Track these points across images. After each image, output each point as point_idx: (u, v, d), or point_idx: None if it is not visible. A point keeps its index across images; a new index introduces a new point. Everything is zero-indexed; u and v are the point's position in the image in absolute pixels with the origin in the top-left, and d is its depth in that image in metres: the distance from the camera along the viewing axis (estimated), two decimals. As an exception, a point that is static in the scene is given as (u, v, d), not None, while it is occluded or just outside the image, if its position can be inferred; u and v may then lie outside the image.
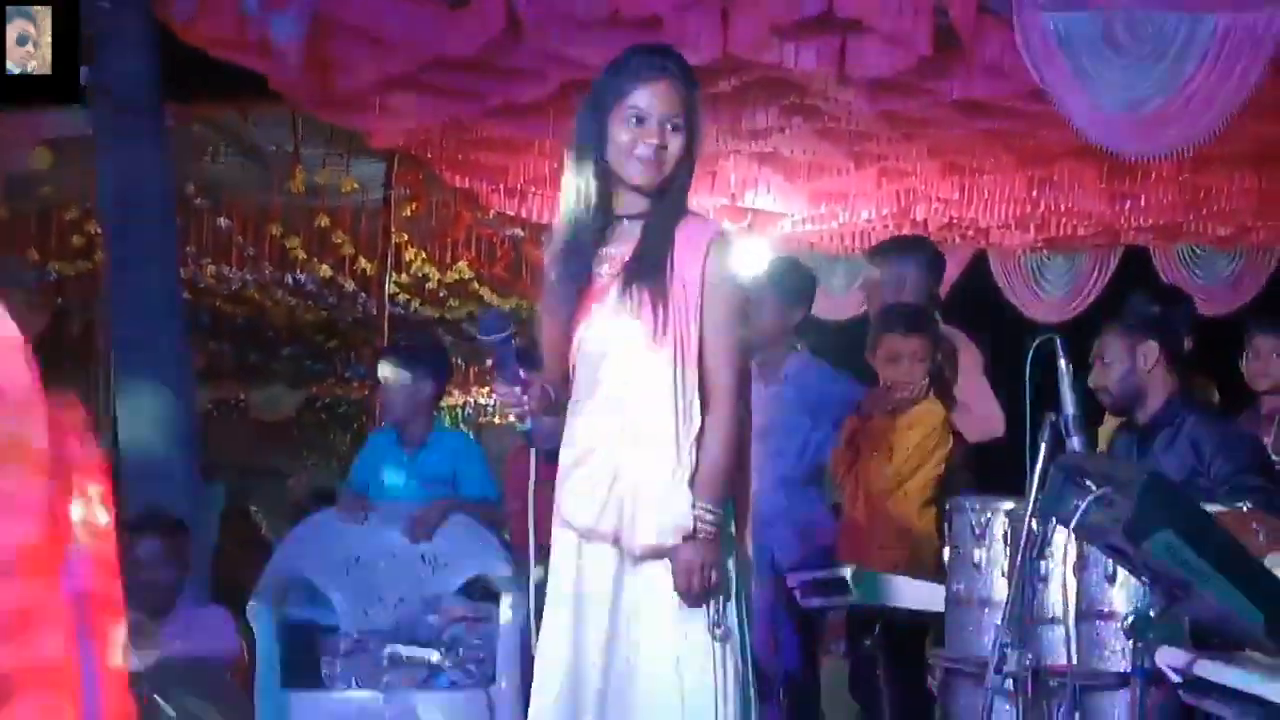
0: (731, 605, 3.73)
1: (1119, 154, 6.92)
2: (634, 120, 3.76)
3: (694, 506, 3.68)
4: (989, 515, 4.47)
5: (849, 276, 10.54)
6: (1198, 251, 10.43)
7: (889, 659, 5.19)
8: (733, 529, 3.79)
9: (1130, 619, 3.58)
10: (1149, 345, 5.08)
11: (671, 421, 3.70)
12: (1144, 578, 3.64)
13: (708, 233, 3.79)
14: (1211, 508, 4.21)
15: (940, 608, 4.69)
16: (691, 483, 3.69)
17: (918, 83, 6.92)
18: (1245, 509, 4.37)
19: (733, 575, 3.76)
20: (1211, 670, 3.44)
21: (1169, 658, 3.68)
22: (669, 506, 3.69)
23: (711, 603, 3.69)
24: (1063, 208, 9.24)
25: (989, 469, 5.95)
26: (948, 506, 4.73)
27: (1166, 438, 4.99)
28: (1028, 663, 4.04)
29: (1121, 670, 4.00)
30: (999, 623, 4.11)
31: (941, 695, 4.56)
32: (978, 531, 4.49)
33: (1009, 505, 4.42)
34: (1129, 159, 7.36)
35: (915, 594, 5.06)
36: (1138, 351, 5.06)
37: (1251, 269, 10.16)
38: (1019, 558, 4.02)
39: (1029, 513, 3.96)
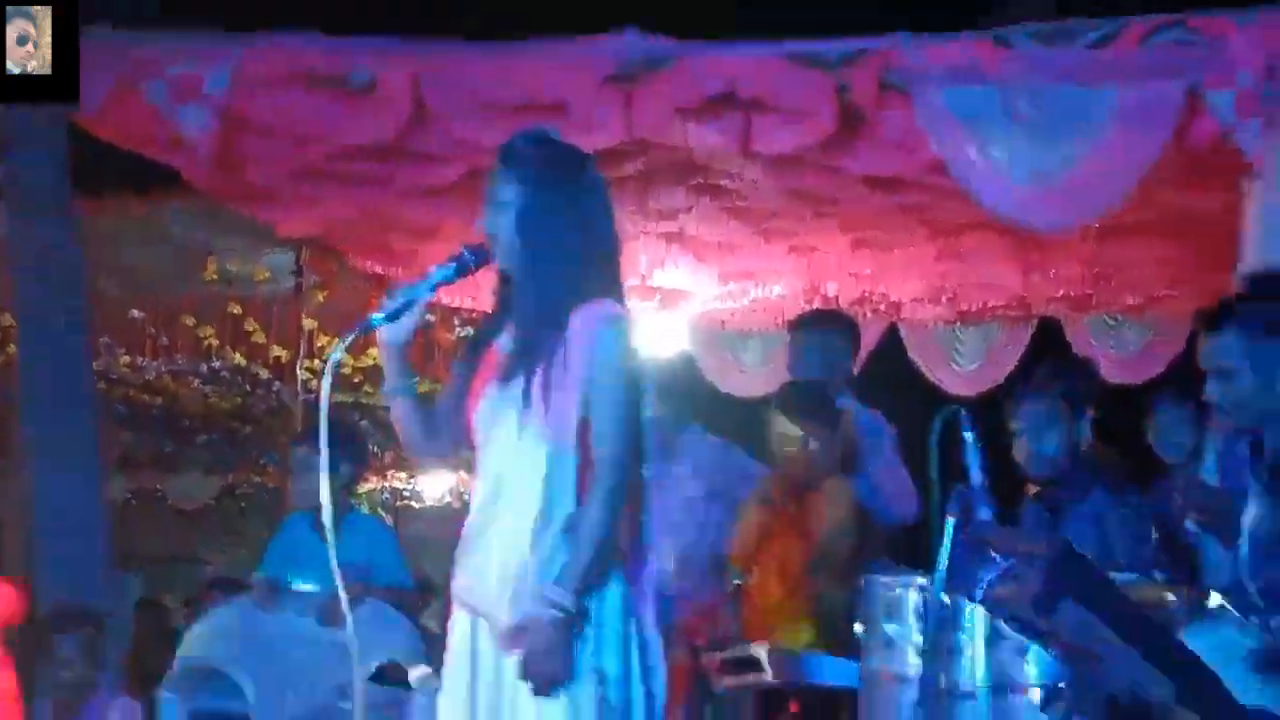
0: (617, 687, 3.70)
1: (1025, 226, 6.97)
2: None
3: (551, 592, 3.66)
4: (900, 591, 4.45)
5: (761, 353, 10.56)
6: (1109, 321, 10.48)
7: (803, 739, 5.17)
8: (619, 608, 3.76)
9: (1042, 692, 3.56)
10: (1089, 414, 5.09)
11: (539, 506, 3.70)
12: (1053, 650, 3.63)
13: (597, 318, 3.77)
14: (1124, 578, 4.23)
15: (855, 684, 4.67)
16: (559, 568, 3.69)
17: (823, 159, 6.96)
18: (1158, 580, 4.38)
19: (617, 657, 3.73)
20: (1122, 741, 3.42)
21: (1082, 730, 3.66)
22: (525, 591, 3.68)
23: (593, 686, 3.66)
24: (973, 280, 9.30)
25: (902, 544, 5.96)
26: (860, 583, 4.72)
27: (1076, 510, 5.00)
28: (942, 738, 4.04)
29: (1036, 743, 3.98)
30: (913, 699, 4.10)
31: (860, 771, 4.54)
32: (890, 607, 4.48)
33: (920, 580, 4.41)
34: (1037, 231, 7.40)
35: (830, 671, 5.05)
36: (1079, 421, 5.07)
37: (1162, 339, 10.22)
38: (930, 633, 4.01)
39: (938, 587, 3.96)
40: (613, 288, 3.84)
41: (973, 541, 3.71)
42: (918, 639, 4.36)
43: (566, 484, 3.74)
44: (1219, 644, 3.72)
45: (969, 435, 4.21)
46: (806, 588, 5.74)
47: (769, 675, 5.14)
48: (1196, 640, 3.68)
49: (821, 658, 5.14)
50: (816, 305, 9.22)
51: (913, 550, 5.39)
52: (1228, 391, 4.05)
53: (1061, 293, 9.62)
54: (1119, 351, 10.34)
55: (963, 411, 4.26)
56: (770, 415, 5.87)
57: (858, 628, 4.64)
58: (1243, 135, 6.13)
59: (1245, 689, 3.64)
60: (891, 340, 10.59)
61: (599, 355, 3.74)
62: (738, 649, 5.56)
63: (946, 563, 3.90)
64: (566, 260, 3.79)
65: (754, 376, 10.45)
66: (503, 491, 3.79)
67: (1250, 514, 4.11)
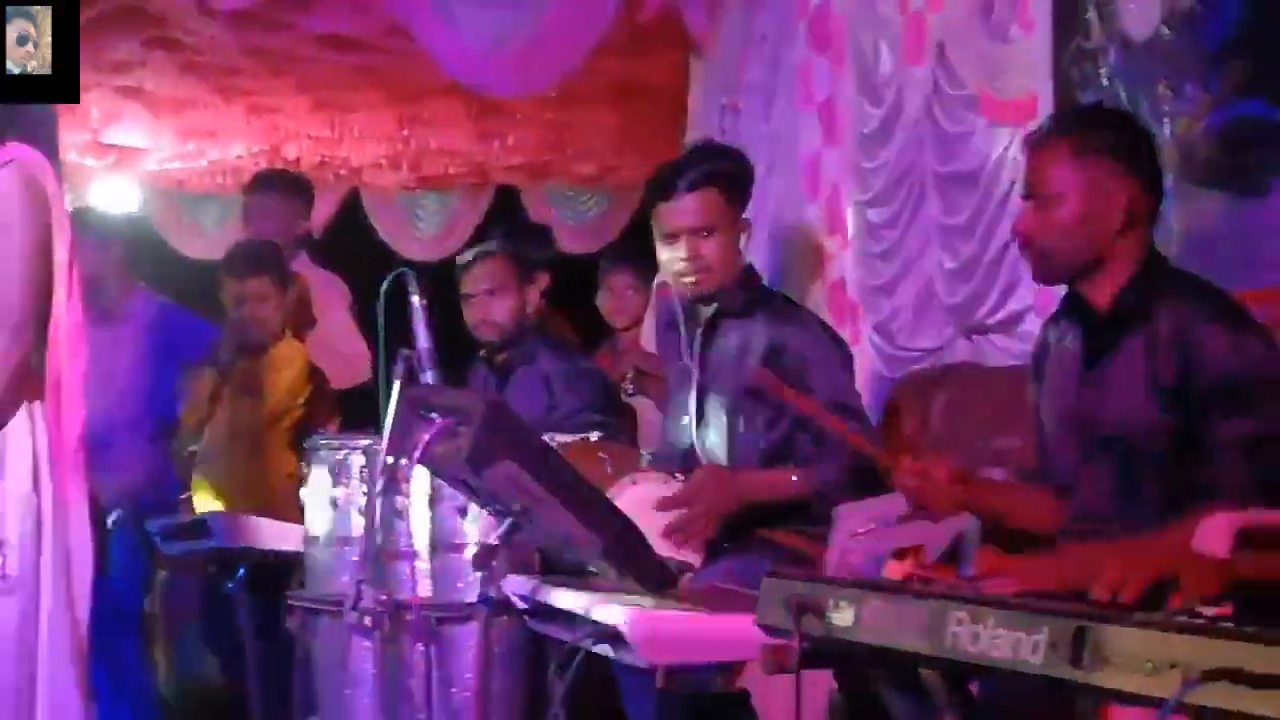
0: (16, 553, 3.57)
1: (484, 92, 7.01)
2: None
3: None
4: (346, 453, 4.45)
5: (220, 214, 10.36)
6: (566, 191, 10.70)
7: (249, 602, 5.12)
8: (27, 473, 3.60)
9: (478, 548, 3.62)
10: (541, 279, 5.15)
11: None
12: (489, 507, 3.70)
13: None
14: (562, 438, 4.33)
15: (300, 547, 4.67)
16: None
17: (280, 16, 6.86)
18: (593, 440, 4.50)
19: (20, 527, 3.58)
20: (552, 595, 3.53)
21: (516, 585, 3.75)
22: None
23: None
24: (433, 146, 9.33)
25: (352, 406, 5.97)
26: (306, 446, 4.70)
27: (523, 372, 5.09)
28: (383, 598, 4.07)
29: (474, 600, 4.04)
30: (355, 559, 4.12)
31: (301, 636, 4.52)
32: (335, 470, 4.47)
33: (365, 442, 4.41)
34: (495, 97, 7.46)
35: (275, 535, 5.03)
36: (529, 286, 5.12)
37: (615, 208, 10.49)
38: (373, 494, 4.03)
39: (383, 449, 3.98)
40: (27, 131, 3.66)
41: (413, 402, 3.76)
42: (361, 500, 4.38)
43: None
44: (645, 500, 3.87)
45: (415, 299, 4.22)
46: (259, 450, 5.68)
47: (214, 539, 5.08)
48: (625, 496, 3.84)
49: (266, 522, 5.10)
50: (277, 167, 9.08)
51: (361, 412, 5.39)
52: (699, 250, 4.14)
53: (519, 161, 9.75)
54: (575, 220, 10.58)
55: (410, 274, 4.26)
56: (222, 275, 5.76)
57: (304, 491, 4.62)
58: (687, 9, 6.30)
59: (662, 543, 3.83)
60: (353, 204, 10.55)
61: None
62: (186, 514, 5.47)
63: (391, 424, 3.92)
64: None
65: (212, 239, 10.24)
66: None
67: (683, 379, 4.27)
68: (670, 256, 4.18)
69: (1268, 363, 2.97)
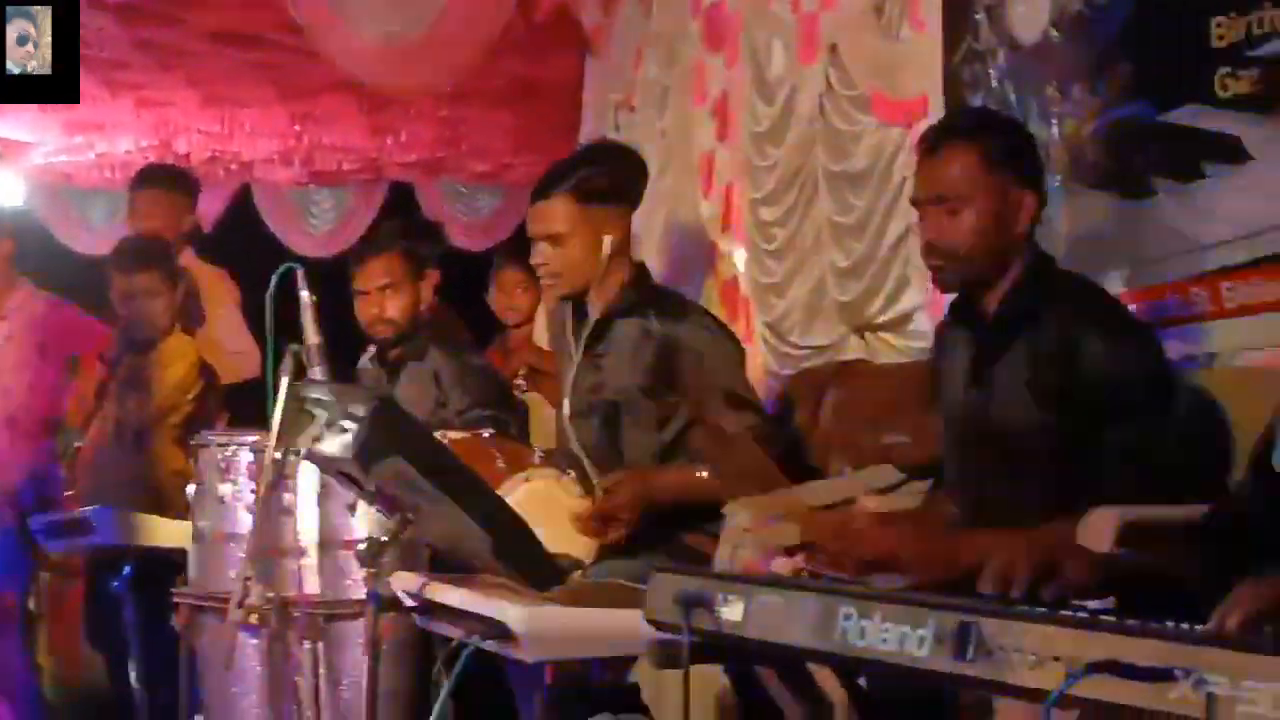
0: None
1: (377, 88, 6.98)
2: None
3: None
4: (233, 449, 4.42)
5: (108, 209, 10.22)
6: (462, 189, 10.65)
7: (134, 601, 5.06)
8: None
9: (366, 546, 3.59)
10: (433, 275, 5.13)
11: None
12: (377, 504, 3.68)
13: None
14: (453, 435, 4.31)
15: (187, 543, 4.62)
16: None
17: (170, 10, 6.79)
18: (485, 436, 4.48)
19: None
20: (440, 592, 3.52)
21: (404, 582, 3.74)
22: None
23: None
24: (325, 142, 9.27)
25: (241, 403, 5.92)
26: (193, 442, 4.66)
27: (413, 369, 5.06)
28: (270, 595, 4.04)
29: (361, 597, 4.01)
30: (243, 556, 4.08)
31: (187, 634, 4.49)
32: (222, 466, 4.44)
33: (253, 438, 4.38)
34: (389, 93, 7.42)
35: (161, 532, 4.98)
36: (421, 283, 5.10)
37: (508, 205, 10.44)
38: (260, 490, 3.99)
39: (271, 445, 3.94)
40: None
41: (302, 399, 3.73)
42: (249, 497, 4.35)
43: None
44: (537, 496, 3.86)
45: (304, 294, 4.19)
46: (145, 447, 5.62)
47: (98, 537, 5.03)
48: (517, 493, 3.83)
49: (151, 518, 5.06)
50: (165, 162, 8.98)
51: (250, 408, 5.34)
52: (549, 257, 4.15)
53: (413, 157, 9.70)
54: (469, 217, 10.55)
55: (298, 270, 4.22)
56: (110, 271, 5.70)
57: (190, 488, 4.58)
58: (583, 7, 6.29)
59: (570, 538, 3.83)
60: (245, 200, 10.44)
61: None
62: (70, 511, 5.41)
63: (279, 420, 3.88)
64: None
65: (100, 234, 10.10)
66: None
67: (569, 374, 4.26)
68: (537, 256, 4.19)
69: (1148, 367, 3.01)
